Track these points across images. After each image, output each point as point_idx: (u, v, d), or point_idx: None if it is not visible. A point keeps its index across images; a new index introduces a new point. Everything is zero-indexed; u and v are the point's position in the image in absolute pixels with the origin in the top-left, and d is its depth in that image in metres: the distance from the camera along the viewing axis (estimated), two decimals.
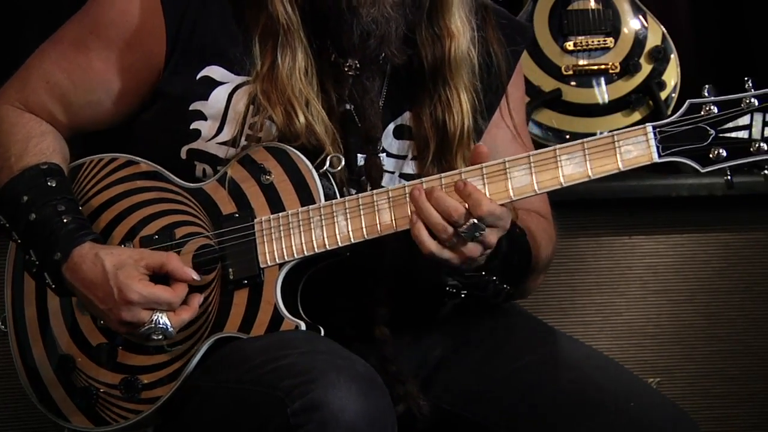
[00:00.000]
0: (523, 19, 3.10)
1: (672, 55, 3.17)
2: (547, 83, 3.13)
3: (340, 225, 2.11)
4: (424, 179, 2.08)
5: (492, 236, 2.05)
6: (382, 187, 2.16)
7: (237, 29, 2.20)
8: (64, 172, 2.24)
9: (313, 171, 2.15)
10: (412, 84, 2.26)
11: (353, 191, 2.19)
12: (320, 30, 2.20)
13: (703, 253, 3.06)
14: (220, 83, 2.21)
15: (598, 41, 3.15)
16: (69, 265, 2.14)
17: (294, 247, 2.13)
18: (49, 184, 2.19)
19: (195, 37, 2.20)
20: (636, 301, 3.06)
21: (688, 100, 2.01)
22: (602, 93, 3.14)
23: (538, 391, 2.16)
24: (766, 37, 3.36)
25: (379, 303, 2.22)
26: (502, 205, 2.04)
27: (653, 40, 3.17)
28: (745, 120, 1.99)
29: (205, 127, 2.21)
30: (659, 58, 3.15)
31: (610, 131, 2.06)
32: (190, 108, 2.21)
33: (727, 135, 1.99)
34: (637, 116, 3.12)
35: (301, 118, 2.15)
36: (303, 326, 2.11)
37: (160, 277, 2.14)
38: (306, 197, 2.14)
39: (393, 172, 2.26)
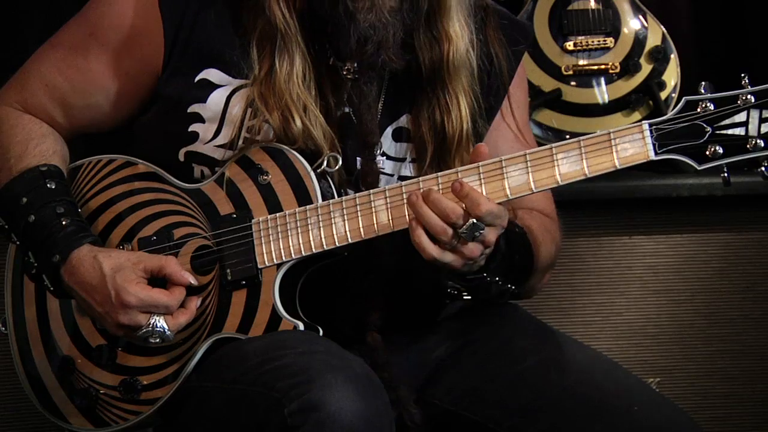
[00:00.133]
0: (523, 19, 3.09)
1: (672, 55, 3.16)
2: (547, 83, 3.13)
3: (337, 225, 2.11)
4: (421, 178, 2.08)
5: (491, 235, 2.05)
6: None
7: (235, 33, 2.20)
8: (64, 174, 2.24)
9: (311, 171, 2.15)
10: (411, 87, 2.26)
11: (351, 193, 2.18)
12: (318, 34, 2.20)
13: (703, 253, 3.05)
14: (218, 86, 2.21)
15: (598, 41, 3.15)
16: (67, 267, 2.15)
17: (292, 248, 2.13)
18: (48, 186, 2.19)
19: (193, 40, 2.20)
20: (636, 301, 3.06)
21: (684, 97, 2.00)
22: (602, 93, 3.13)
23: (540, 393, 2.16)
24: (766, 37, 3.36)
25: (373, 309, 2.22)
26: (499, 203, 2.04)
27: (653, 40, 3.17)
28: (741, 117, 1.98)
29: (203, 130, 2.21)
30: (659, 58, 3.15)
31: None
32: (188, 110, 2.21)
33: (724, 132, 1.98)
34: (637, 116, 3.11)
35: (298, 123, 2.15)
36: (301, 326, 2.11)
37: (158, 280, 2.14)
38: (303, 197, 2.14)
39: (392, 175, 2.26)
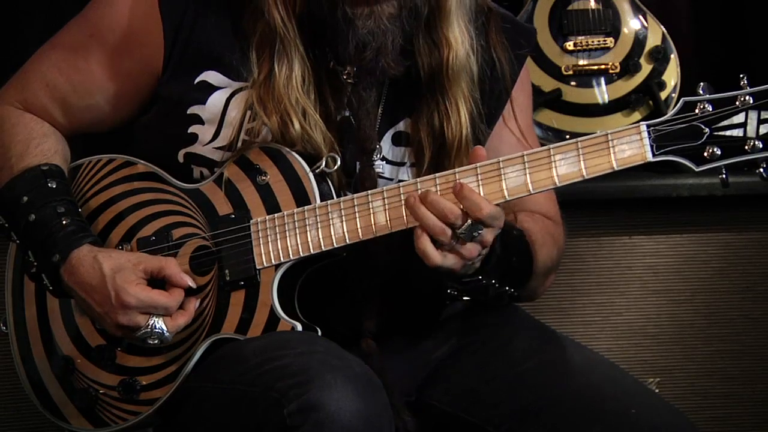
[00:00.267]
0: (523, 20, 3.08)
1: (672, 55, 3.16)
2: (547, 83, 3.13)
3: (335, 226, 2.11)
4: (419, 179, 2.08)
5: (489, 235, 2.05)
6: None
7: (234, 36, 2.20)
8: (65, 173, 2.25)
9: (309, 171, 2.14)
10: (411, 92, 2.25)
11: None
12: (318, 38, 2.19)
13: (703, 253, 3.05)
14: (218, 88, 2.21)
15: (598, 41, 3.15)
16: (67, 267, 2.15)
17: (290, 248, 2.13)
18: (49, 185, 2.19)
19: (192, 41, 2.20)
20: (636, 301, 3.06)
21: (682, 99, 1.99)
22: (602, 93, 3.13)
23: (539, 396, 2.16)
24: (766, 38, 3.35)
25: (370, 313, 2.22)
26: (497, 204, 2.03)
27: (653, 40, 3.16)
28: (740, 118, 1.97)
29: (202, 132, 2.21)
30: (659, 58, 3.14)
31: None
32: (188, 112, 2.21)
33: (722, 133, 1.97)
34: (637, 116, 3.11)
35: (297, 127, 2.14)
36: (299, 327, 2.11)
37: (157, 281, 2.14)
38: (302, 198, 2.14)
39: (391, 179, 2.25)
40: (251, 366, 2.02)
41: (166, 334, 2.12)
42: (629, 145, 2.00)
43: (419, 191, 2.05)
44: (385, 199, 2.09)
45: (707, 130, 1.98)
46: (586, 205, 2.99)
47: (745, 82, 1.98)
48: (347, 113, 2.22)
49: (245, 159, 2.17)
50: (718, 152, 1.97)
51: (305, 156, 2.16)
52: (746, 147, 1.97)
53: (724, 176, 2.00)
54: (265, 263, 2.14)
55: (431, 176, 2.07)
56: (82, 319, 2.24)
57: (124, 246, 2.23)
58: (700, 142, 1.98)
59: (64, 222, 2.16)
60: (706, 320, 3.05)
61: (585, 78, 3.14)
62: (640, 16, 3.18)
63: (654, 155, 1.99)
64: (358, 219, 2.10)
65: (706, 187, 2.98)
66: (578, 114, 3.13)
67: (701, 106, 1.98)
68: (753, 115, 1.96)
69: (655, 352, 3.05)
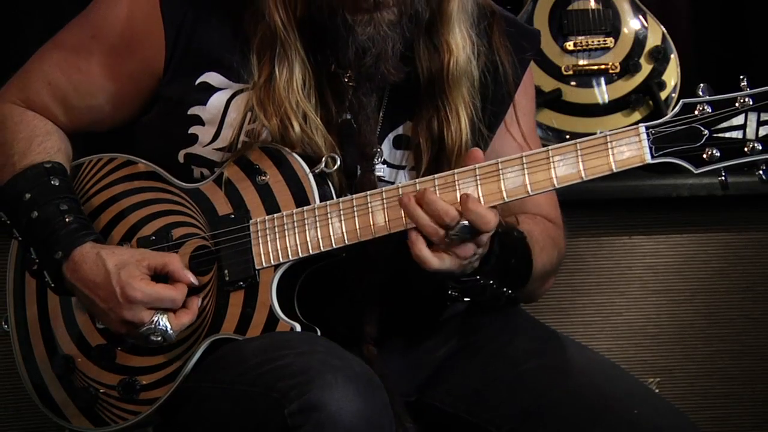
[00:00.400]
0: (523, 20, 3.08)
1: (672, 55, 3.16)
2: (547, 83, 3.13)
3: (334, 226, 2.11)
4: (417, 180, 2.08)
5: (483, 236, 2.04)
6: None
7: (235, 37, 2.20)
8: (67, 171, 2.25)
9: (308, 172, 2.14)
10: (412, 97, 2.24)
11: None
12: (319, 41, 2.19)
13: (703, 253, 3.05)
14: (219, 89, 2.21)
15: (598, 41, 3.15)
16: (69, 264, 2.15)
17: (289, 249, 2.13)
18: (52, 183, 2.19)
19: (194, 43, 2.20)
20: (636, 301, 3.06)
21: (681, 100, 1.98)
22: (602, 93, 3.13)
23: (541, 396, 2.16)
24: (766, 38, 3.35)
25: (369, 317, 2.22)
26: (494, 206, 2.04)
27: (653, 40, 3.17)
28: (739, 120, 1.96)
29: (203, 132, 2.21)
30: (659, 58, 3.14)
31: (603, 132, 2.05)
32: (189, 112, 2.21)
33: (721, 135, 1.96)
34: (637, 116, 3.11)
35: (297, 130, 2.14)
36: (298, 328, 2.11)
37: (161, 277, 2.14)
38: (301, 198, 2.14)
39: (391, 182, 2.25)
40: (251, 366, 2.02)
41: (170, 331, 2.11)
42: (628, 147, 1.99)
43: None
44: (384, 200, 2.09)
45: (706, 131, 1.97)
46: (586, 205, 3.00)
47: (745, 83, 1.97)
48: (348, 116, 2.21)
49: (245, 159, 2.17)
50: (718, 154, 1.97)
51: (305, 157, 2.16)
52: (745, 149, 1.97)
53: (723, 178, 2.00)
54: (264, 263, 2.14)
55: (430, 177, 2.06)
56: (83, 318, 2.24)
57: (125, 245, 2.23)
58: (699, 143, 1.97)
59: (66, 219, 2.16)
60: (706, 320, 3.06)
61: (585, 78, 3.14)
62: (640, 16, 3.18)
63: (653, 157, 1.98)
64: (357, 219, 2.10)
65: (705, 188, 2.98)
66: (578, 114, 3.13)
67: (700, 108, 1.97)
68: (752, 117, 1.95)
69: (655, 352, 3.05)
